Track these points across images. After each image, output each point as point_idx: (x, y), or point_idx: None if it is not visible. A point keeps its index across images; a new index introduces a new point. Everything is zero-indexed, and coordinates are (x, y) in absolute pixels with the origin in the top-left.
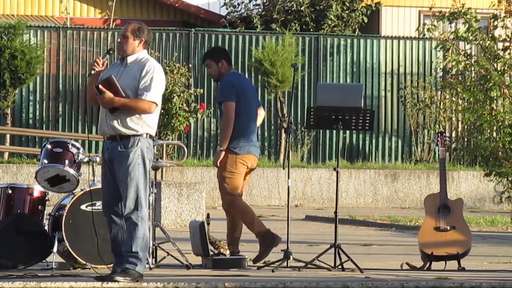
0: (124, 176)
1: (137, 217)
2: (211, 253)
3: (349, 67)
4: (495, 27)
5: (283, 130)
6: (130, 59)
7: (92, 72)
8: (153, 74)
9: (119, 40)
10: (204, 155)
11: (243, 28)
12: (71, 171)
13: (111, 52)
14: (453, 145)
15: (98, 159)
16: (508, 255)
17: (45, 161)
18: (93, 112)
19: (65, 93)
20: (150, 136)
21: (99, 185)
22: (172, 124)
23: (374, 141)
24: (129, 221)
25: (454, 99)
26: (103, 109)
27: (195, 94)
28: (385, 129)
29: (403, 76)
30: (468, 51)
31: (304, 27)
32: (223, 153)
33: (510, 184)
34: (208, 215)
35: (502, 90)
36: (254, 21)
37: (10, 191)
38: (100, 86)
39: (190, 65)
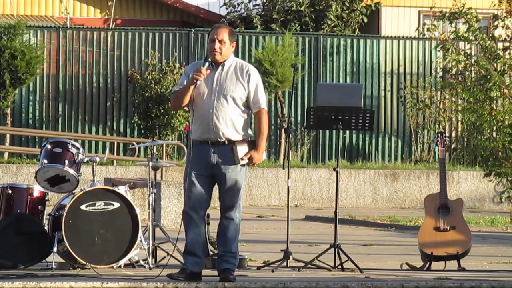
0: (235, 179)
1: (238, 218)
2: (211, 253)
3: (349, 67)
4: (496, 27)
5: (283, 130)
6: (226, 64)
7: (198, 82)
8: (258, 80)
9: (216, 45)
10: None
11: (243, 28)
12: (71, 171)
13: (209, 59)
14: (453, 145)
15: (98, 159)
16: (508, 255)
17: (45, 161)
18: (93, 112)
19: (65, 93)
20: None
21: (99, 185)
22: (172, 124)
23: (374, 141)
24: (231, 221)
25: (454, 99)
26: (207, 115)
27: None
28: (385, 129)
29: (403, 76)
30: (468, 51)
31: (304, 27)
32: None
33: (510, 184)
34: (208, 215)
35: (502, 90)
36: (254, 21)
37: (10, 191)
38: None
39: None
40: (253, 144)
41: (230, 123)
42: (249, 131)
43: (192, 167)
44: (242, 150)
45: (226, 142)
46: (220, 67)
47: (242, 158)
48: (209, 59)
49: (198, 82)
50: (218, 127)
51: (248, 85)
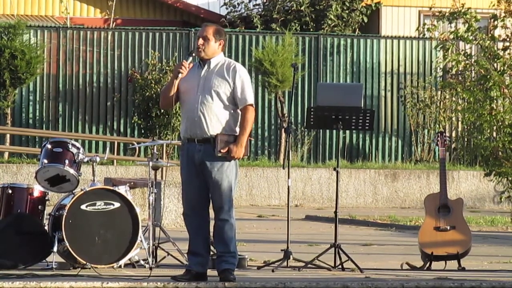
0: (220, 178)
1: (232, 218)
2: (211, 253)
3: (349, 67)
4: (495, 27)
5: (283, 130)
6: (213, 62)
7: (180, 75)
8: (243, 76)
9: (199, 42)
10: None
11: (243, 28)
12: (71, 171)
13: (193, 54)
14: (453, 145)
15: (98, 159)
16: (508, 255)
17: (45, 161)
18: (93, 112)
19: (65, 93)
20: None
21: (99, 185)
22: (172, 124)
23: (374, 141)
24: (225, 222)
25: (454, 99)
26: (193, 110)
27: None
28: (385, 129)
29: (403, 76)
30: (468, 51)
31: (304, 27)
32: None
33: (510, 184)
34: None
35: (502, 90)
36: (254, 21)
37: (10, 191)
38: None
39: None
40: (236, 139)
41: (215, 118)
42: (237, 129)
43: (184, 167)
44: (223, 142)
45: (212, 140)
46: (206, 65)
47: (220, 151)
48: (193, 54)
49: (180, 75)
50: (203, 122)
51: (233, 81)
